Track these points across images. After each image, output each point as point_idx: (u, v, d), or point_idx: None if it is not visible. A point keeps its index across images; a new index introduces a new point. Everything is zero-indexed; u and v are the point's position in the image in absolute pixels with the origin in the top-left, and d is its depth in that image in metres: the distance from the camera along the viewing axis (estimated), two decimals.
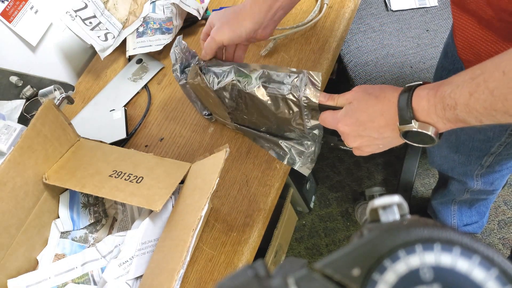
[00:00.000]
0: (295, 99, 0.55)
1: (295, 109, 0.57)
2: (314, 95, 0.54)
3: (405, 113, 0.43)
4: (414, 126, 0.43)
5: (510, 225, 1.29)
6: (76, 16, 0.85)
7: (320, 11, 0.82)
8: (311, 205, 1.43)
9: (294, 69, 0.56)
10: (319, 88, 0.54)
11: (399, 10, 1.09)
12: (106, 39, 0.89)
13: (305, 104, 0.55)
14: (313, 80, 0.54)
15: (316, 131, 0.61)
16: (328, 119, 0.54)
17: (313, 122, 0.59)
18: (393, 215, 0.21)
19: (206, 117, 0.76)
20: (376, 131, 0.49)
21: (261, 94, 0.58)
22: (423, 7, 1.08)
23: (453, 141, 0.85)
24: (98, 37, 0.88)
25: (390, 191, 1.42)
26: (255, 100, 0.59)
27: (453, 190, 1.05)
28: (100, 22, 0.89)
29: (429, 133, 0.43)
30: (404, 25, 1.07)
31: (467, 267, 0.17)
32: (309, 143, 0.65)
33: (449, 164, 0.94)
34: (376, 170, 1.48)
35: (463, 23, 0.56)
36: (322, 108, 0.55)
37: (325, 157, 1.54)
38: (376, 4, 1.12)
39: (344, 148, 1.51)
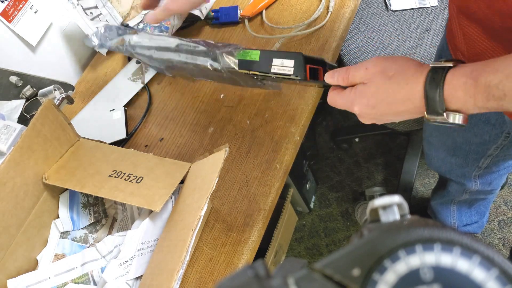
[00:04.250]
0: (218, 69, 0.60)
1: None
2: (234, 62, 0.58)
3: (436, 105, 0.40)
4: (445, 118, 0.40)
5: (510, 225, 1.29)
6: (77, 4, 0.85)
7: (324, 17, 0.82)
8: (311, 205, 1.43)
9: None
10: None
11: (399, 10, 1.09)
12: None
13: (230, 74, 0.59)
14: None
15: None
16: (339, 102, 0.49)
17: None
18: (393, 215, 0.21)
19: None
20: (396, 115, 0.45)
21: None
22: (423, 7, 1.08)
23: (449, 145, 0.85)
24: (97, 28, 0.88)
25: (390, 191, 1.42)
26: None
27: (452, 191, 1.05)
28: (100, 13, 0.89)
29: (460, 123, 0.40)
30: (404, 25, 1.07)
31: (467, 267, 0.17)
32: None
33: (446, 166, 0.94)
34: (376, 170, 1.48)
35: (471, 33, 0.54)
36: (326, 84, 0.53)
37: (325, 157, 1.54)
38: (376, 4, 1.12)
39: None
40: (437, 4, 1.07)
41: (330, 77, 0.49)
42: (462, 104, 0.39)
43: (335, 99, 0.49)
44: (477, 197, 1.04)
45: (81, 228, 0.68)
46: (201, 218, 0.53)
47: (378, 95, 0.44)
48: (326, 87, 0.54)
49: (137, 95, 0.86)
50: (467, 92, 0.37)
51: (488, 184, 0.94)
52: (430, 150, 0.95)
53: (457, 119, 0.39)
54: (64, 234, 0.67)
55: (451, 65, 0.39)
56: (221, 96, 0.79)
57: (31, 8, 0.83)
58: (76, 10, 0.85)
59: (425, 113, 0.41)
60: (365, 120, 0.48)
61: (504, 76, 0.35)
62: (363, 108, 0.46)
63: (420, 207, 1.35)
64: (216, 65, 0.60)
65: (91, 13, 0.87)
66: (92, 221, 0.68)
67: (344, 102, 0.48)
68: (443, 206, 1.14)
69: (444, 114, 0.39)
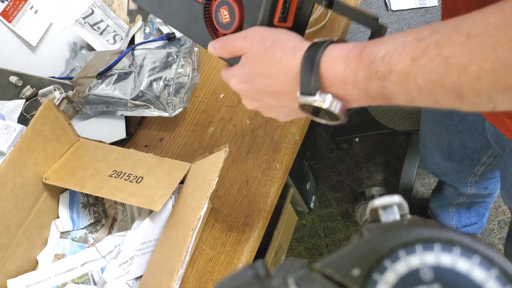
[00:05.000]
0: None
1: None
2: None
3: (309, 81, 0.33)
4: (317, 100, 0.34)
5: None
6: (85, 23, 0.86)
7: (324, 17, 0.82)
8: (311, 205, 1.43)
9: None
10: None
11: (399, 10, 1.09)
12: (115, 42, 0.90)
13: None
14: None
15: None
16: (224, 75, 0.45)
17: None
18: (393, 215, 0.21)
19: None
20: (272, 98, 0.39)
21: None
22: (423, 7, 1.08)
23: (445, 148, 0.85)
24: (107, 41, 0.89)
25: (390, 191, 1.42)
26: None
27: (448, 194, 1.05)
28: (107, 26, 0.89)
29: (336, 111, 0.34)
30: (404, 25, 1.07)
31: (467, 267, 0.17)
32: None
33: (441, 170, 0.94)
34: (376, 170, 1.48)
35: None
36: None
37: (325, 157, 1.54)
38: (376, 4, 1.12)
39: None
40: (437, 4, 1.07)
41: (212, 48, 0.44)
42: (340, 82, 0.33)
43: (223, 74, 0.45)
44: (475, 200, 1.04)
45: (81, 228, 0.68)
46: (201, 218, 0.53)
47: (254, 67, 0.39)
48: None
49: None
50: (347, 66, 0.32)
51: (484, 189, 0.94)
52: (425, 154, 0.95)
53: (334, 105, 0.33)
54: (64, 234, 0.67)
55: (336, 39, 0.34)
56: (221, 96, 0.79)
57: (31, 8, 0.83)
58: (85, 28, 0.86)
59: (298, 93, 0.35)
60: (245, 101, 0.44)
61: (391, 47, 0.30)
62: (240, 82, 0.41)
63: (420, 207, 1.35)
64: None
65: (98, 28, 0.89)
66: (92, 221, 0.68)
67: (226, 75, 0.44)
68: (442, 209, 1.14)
69: (317, 94, 0.33)
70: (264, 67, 0.38)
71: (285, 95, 0.38)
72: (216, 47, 0.43)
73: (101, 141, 0.69)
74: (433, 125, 0.82)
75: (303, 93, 0.34)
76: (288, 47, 0.36)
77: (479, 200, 1.04)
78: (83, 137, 0.69)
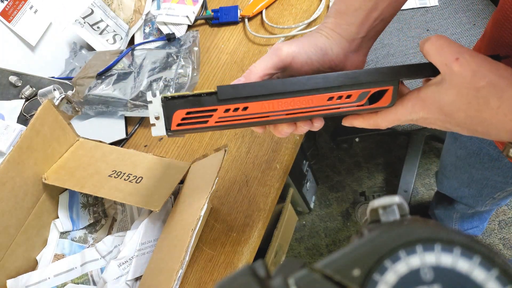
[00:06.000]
0: None
1: None
2: None
3: None
4: None
5: (510, 225, 1.29)
6: (84, 23, 0.86)
7: (324, 17, 0.82)
8: (311, 205, 1.43)
9: None
10: None
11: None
12: (115, 42, 0.90)
13: None
14: None
15: None
16: (392, 117, 0.38)
17: None
18: (394, 215, 0.21)
19: None
20: (462, 131, 0.36)
21: None
22: (423, 7, 1.08)
23: (465, 179, 0.83)
24: (107, 40, 0.89)
25: (390, 191, 1.42)
26: None
27: (459, 209, 1.04)
28: (107, 26, 0.89)
29: None
30: (405, 24, 1.07)
31: (467, 268, 0.16)
32: None
33: (458, 194, 0.92)
34: (376, 170, 1.48)
35: None
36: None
37: (325, 157, 1.54)
38: None
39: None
40: (437, 3, 1.07)
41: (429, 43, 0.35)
42: None
43: (384, 119, 0.38)
44: (483, 210, 1.03)
45: (81, 228, 0.68)
46: (201, 218, 0.53)
47: (459, 102, 0.33)
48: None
49: None
50: None
51: (497, 205, 0.93)
52: (442, 179, 0.93)
53: None
54: (63, 234, 0.67)
55: None
56: None
57: (31, 8, 0.83)
58: (84, 28, 0.86)
59: (511, 150, 0.34)
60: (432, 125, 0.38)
61: None
62: (433, 115, 0.35)
63: (420, 207, 1.35)
64: None
65: (98, 27, 0.89)
66: (92, 221, 0.68)
67: (402, 113, 0.37)
68: (446, 215, 1.14)
69: None
70: (472, 108, 0.33)
71: (489, 137, 0.34)
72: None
73: (101, 141, 0.69)
74: (456, 159, 0.81)
75: None
76: (506, 96, 0.31)
77: (486, 210, 1.04)
78: (83, 137, 0.69)
